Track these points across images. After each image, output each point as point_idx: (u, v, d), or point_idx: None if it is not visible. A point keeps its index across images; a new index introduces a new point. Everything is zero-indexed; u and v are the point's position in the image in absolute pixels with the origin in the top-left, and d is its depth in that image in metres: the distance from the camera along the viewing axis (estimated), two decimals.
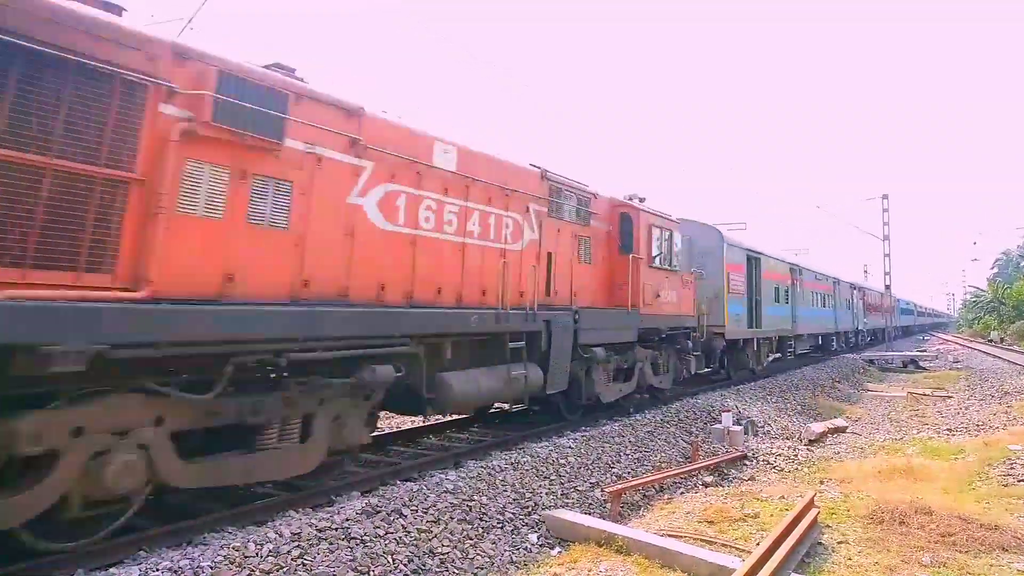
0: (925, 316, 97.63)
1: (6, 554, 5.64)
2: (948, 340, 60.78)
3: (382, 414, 10.45)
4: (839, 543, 7.28)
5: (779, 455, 11.78)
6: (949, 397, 20.08)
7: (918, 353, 35.08)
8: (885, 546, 7.11)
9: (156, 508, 7.09)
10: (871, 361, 31.15)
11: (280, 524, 6.02)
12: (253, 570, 5.19)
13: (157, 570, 4.95)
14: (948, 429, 14.82)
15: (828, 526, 7.80)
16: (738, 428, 12.42)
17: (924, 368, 30.52)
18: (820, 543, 7.24)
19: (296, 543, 5.65)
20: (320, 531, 5.92)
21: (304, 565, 5.44)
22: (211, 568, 5.08)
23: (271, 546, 5.53)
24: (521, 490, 8.01)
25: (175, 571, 4.97)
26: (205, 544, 5.61)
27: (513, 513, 7.48)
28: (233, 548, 5.37)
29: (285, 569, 5.33)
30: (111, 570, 4.99)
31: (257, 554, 5.39)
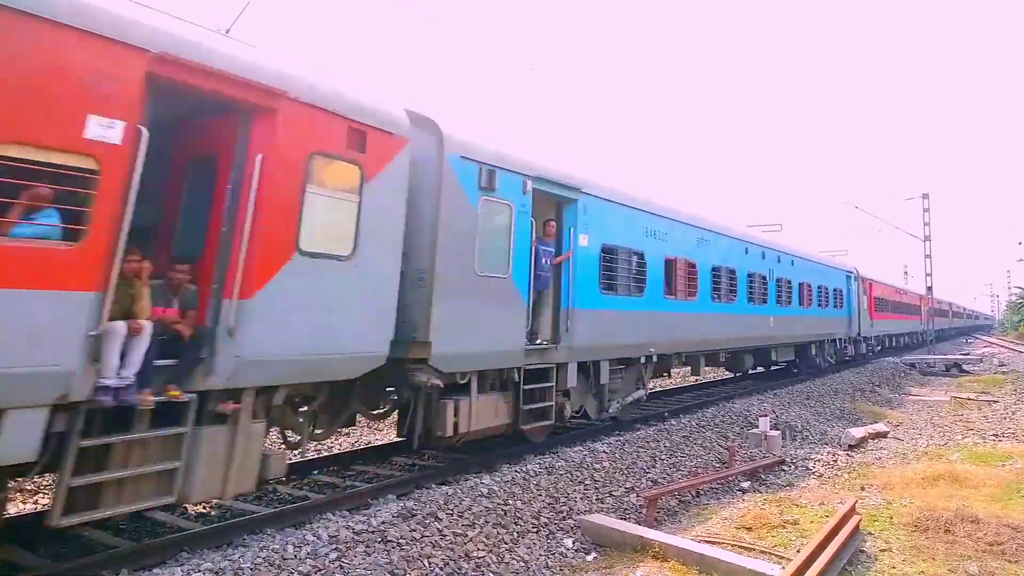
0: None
1: (64, 550, 5.82)
2: (992, 343, 59.10)
3: None
4: (882, 551, 7.13)
5: (818, 460, 11.58)
6: (995, 401, 19.49)
7: (961, 356, 34.18)
8: (930, 555, 6.94)
9: (197, 510, 7.24)
10: (912, 365, 30.43)
11: (318, 526, 6.09)
12: (292, 572, 5.26)
13: (199, 571, 5.04)
14: (994, 434, 14.40)
15: (870, 533, 7.64)
16: (776, 433, 12.24)
17: (968, 372, 29.71)
18: (862, 551, 7.09)
19: (334, 545, 5.71)
20: (357, 534, 5.97)
21: (342, 567, 5.49)
22: (251, 569, 5.15)
23: (309, 548, 5.60)
24: (556, 495, 7.99)
25: (216, 572, 5.05)
26: (245, 546, 5.71)
27: (548, 518, 7.47)
28: (272, 550, 5.46)
29: (323, 571, 5.38)
30: (155, 570, 5.10)
31: (295, 556, 5.46)
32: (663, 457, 10.32)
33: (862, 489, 9.69)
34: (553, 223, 10.03)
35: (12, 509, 7.43)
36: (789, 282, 19.52)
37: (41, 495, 7.98)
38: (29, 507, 7.62)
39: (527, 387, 9.09)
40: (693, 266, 13.71)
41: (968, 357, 34.31)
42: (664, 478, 9.56)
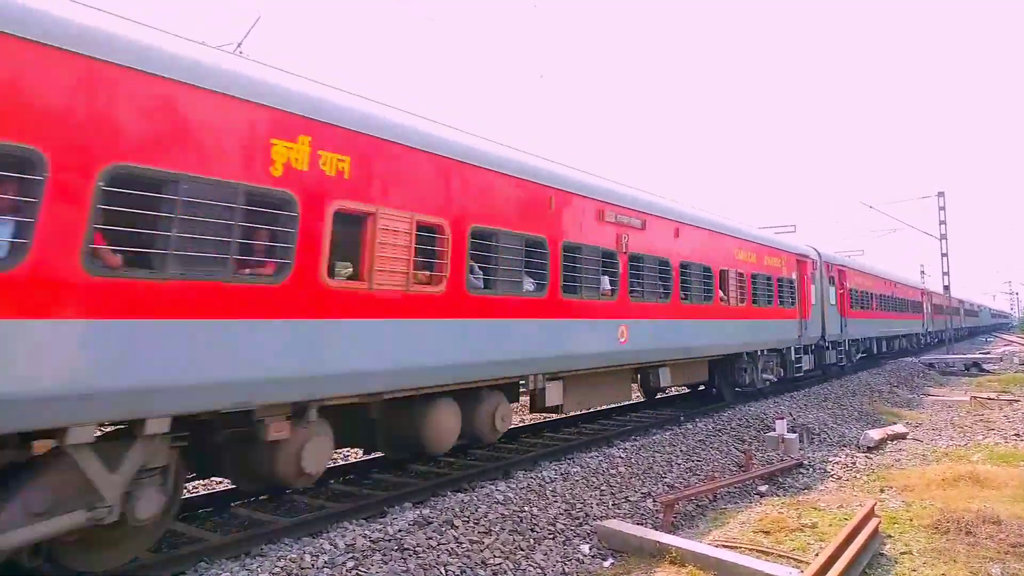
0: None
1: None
2: (1013, 341, 58.42)
3: None
4: (902, 554, 7.05)
5: (836, 463, 11.48)
6: (1016, 401, 19.24)
7: (981, 356, 33.80)
8: (951, 557, 6.85)
9: (217, 519, 7.30)
10: (931, 364, 30.12)
11: (335, 535, 6.12)
12: None
13: None
14: (1016, 434, 14.21)
15: (890, 536, 7.56)
16: (793, 436, 12.15)
17: (988, 371, 29.35)
18: (882, 554, 7.03)
19: (351, 554, 5.73)
20: (374, 542, 5.99)
21: None
22: None
23: (326, 557, 5.62)
24: (571, 500, 7.98)
25: None
26: (263, 555, 5.75)
27: (564, 524, 7.45)
28: (290, 559, 5.48)
29: None
30: None
31: (313, 565, 5.49)
32: (679, 461, 10.27)
33: (881, 491, 9.59)
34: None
35: None
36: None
37: None
38: None
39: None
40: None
41: (987, 356, 33.92)
42: (681, 482, 9.52)
